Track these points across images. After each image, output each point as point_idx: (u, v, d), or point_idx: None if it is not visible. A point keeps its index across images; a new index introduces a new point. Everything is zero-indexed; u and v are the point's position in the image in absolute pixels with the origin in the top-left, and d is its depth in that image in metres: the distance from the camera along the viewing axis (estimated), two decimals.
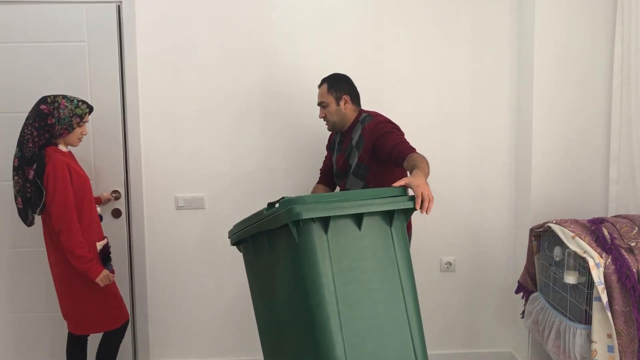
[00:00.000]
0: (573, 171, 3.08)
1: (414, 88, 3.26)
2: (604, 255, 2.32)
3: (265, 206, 2.13)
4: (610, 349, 2.25)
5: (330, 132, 3.02)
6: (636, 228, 2.42)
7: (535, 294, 2.80)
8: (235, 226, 2.38)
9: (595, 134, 3.07)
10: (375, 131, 2.63)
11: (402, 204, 2.09)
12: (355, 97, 2.79)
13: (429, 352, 3.40)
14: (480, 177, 3.32)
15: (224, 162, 3.25)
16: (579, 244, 2.38)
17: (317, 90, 3.27)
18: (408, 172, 2.56)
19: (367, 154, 2.66)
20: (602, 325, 2.27)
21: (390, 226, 2.13)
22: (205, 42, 3.19)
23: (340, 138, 2.85)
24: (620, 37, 2.89)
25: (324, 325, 1.92)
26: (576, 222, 2.56)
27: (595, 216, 2.87)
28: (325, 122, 2.82)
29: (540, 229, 2.72)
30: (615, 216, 2.64)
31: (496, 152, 3.30)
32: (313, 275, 1.92)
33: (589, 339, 2.33)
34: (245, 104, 3.23)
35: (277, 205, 2.04)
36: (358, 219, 2.05)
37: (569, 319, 2.46)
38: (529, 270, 2.87)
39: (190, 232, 3.28)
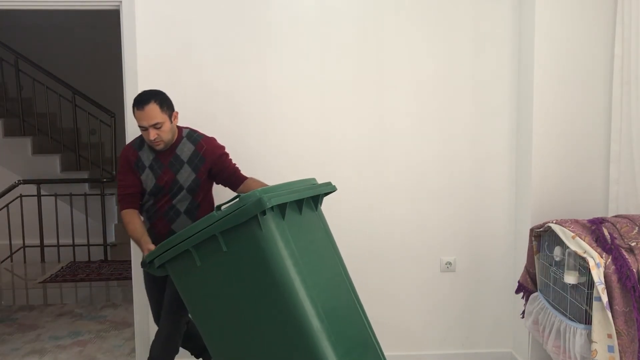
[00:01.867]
0: (573, 171, 3.08)
1: (413, 89, 3.25)
2: (604, 255, 2.32)
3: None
4: (611, 349, 2.25)
5: (123, 153, 2.81)
6: (636, 228, 2.42)
7: (535, 294, 2.80)
8: (162, 246, 2.31)
9: (596, 134, 3.07)
10: (216, 150, 2.80)
11: (324, 188, 2.45)
12: None
13: (429, 352, 3.40)
14: (481, 177, 3.32)
15: None
16: (579, 244, 2.38)
17: (313, 90, 3.27)
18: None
19: (206, 170, 2.77)
20: (602, 325, 2.26)
21: (316, 209, 2.43)
22: (204, 42, 3.18)
23: (154, 155, 2.73)
24: (620, 37, 2.89)
25: (300, 303, 2.05)
26: (576, 222, 2.56)
27: (596, 216, 2.86)
28: (156, 142, 2.65)
29: (541, 229, 2.72)
30: (616, 216, 2.64)
31: (496, 151, 3.30)
32: (281, 258, 2.07)
33: (589, 339, 2.33)
34: (244, 105, 3.23)
35: (225, 206, 2.16)
36: (299, 204, 2.26)
37: (569, 319, 2.46)
38: (529, 270, 2.87)
39: None
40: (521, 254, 3.19)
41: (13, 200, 5.81)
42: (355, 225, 3.31)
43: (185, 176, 2.73)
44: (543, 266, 2.74)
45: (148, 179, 2.73)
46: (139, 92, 3.14)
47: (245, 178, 2.85)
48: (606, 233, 2.41)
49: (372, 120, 3.26)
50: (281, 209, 2.13)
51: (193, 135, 2.80)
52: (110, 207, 6.40)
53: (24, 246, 5.97)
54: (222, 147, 2.85)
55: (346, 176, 3.28)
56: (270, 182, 3.26)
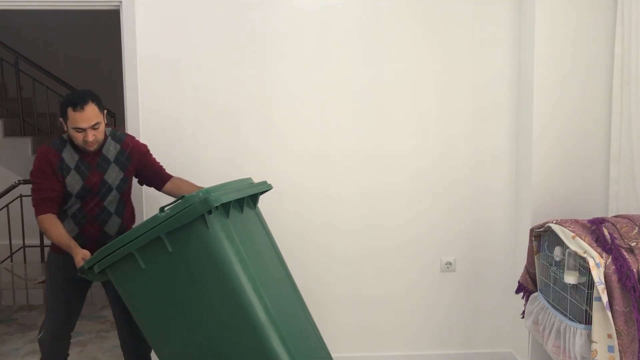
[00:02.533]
0: (573, 171, 3.08)
1: (414, 88, 3.25)
2: (604, 255, 2.32)
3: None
4: (611, 349, 2.25)
5: (41, 154, 2.65)
6: (636, 228, 2.42)
7: (535, 294, 2.80)
8: (102, 252, 2.27)
9: (596, 133, 3.06)
10: (141, 147, 2.81)
11: (261, 187, 2.55)
12: None
13: (429, 352, 3.41)
14: (481, 177, 3.31)
15: (224, 162, 3.25)
16: (579, 244, 2.38)
17: (313, 90, 3.27)
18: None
19: (133, 169, 2.77)
20: (602, 325, 2.26)
21: (254, 208, 2.51)
22: (204, 42, 3.18)
23: (79, 156, 2.64)
24: (620, 36, 2.89)
25: (247, 297, 2.12)
26: (576, 222, 2.56)
27: (596, 216, 2.86)
28: (92, 144, 2.58)
29: (541, 229, 2.72)
30: (616, 216, 2.64)
31: (496, 151, 3.30)
32: (228, 255, 2.13)
33: (589, 339, 2.33)
34: (245, 104, 3.23)
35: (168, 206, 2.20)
36: (240, 203, 2.35)
37: (569, 319, 2.46)
38: (529, 270, 2.87)
39: None
40: (521, 254, 3.19)
41: (13, 200, 5.80)
42: (356, 225, 3.31)
43: (114, 176, 2.69)
44: (543, 266, 2.74)
45: (74, 181, 2.62)
46: (139, 91, 3.18)
47: (170, 177, 2.85)
48: (606, 233, 2.41)
49: (372, 120, 3.26)
50: (225, 207, 2.20)
51: (116, 134, 2.75)
52: None
53: (24, 246, 5.96)
54: (145, 145, 2.85)
55: (346, 176, 3.28)
56: (270, 181, 3.27)
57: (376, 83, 3.24)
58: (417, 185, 3.31)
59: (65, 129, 2.62)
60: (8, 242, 5.90)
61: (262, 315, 2.13)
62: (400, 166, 3.30)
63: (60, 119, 2.61)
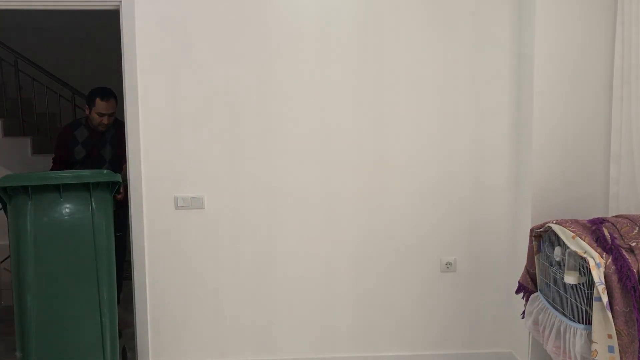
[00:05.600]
0: (573, 171, 3.08)
1: (414, 88, 3.25)
2: (604, 256, 2.32)
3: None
4: (611, 349, 2.25)
5: (61, 132, 3.93)
6: (637, 228, 2.42)
7: (535, 294, 2.80)
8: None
9: (596, 133, 3.07)
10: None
11: (98, 177, 2.88)
12: None
13: (429, 352, 3.40)
14: (481, 177, 3.31)
15: (224, 162, 3.25)
16: (579, 244, 2.38)
17: (313, 90, 3.28)
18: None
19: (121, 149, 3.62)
20: (602, 325, 2.26)
21: (91, 196, 2.88)
22: (204, 42, 3.18)
23: (88, 133, 3.80)
24: (620, 36, 2.89)
25: (17, 258, 2.79)
26: (576, 222, 2.55)
27: (596, 216, 2.86)
28: (103, 126, 3.74)
29: (541, 229, 2.72)
30: (616, 216, 2.64)
31: (496, 151, 3.30)
32: (16, 226, 2.80)
33: (589, 339, 2.32)
34: (245, 104, 3.23)
35: None
36: (58, 189, 2.83)
37: (570, 319, 2.46)
38: (529, 270, 2.87)
39: (190, 232, 3.28)
40: (521, 254, 3.19)
41: None
42: (356, 225, 3.31)
43: (108, 152, 3.80)
44: (543, 266, 2.74)
45: (80, 151, 3.79)
46: (139, 92, 3.18)
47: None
48: (606, 233, 2.41)
49: (372, 120, 3.26)
50: (25, 190, 2.77)
51: (117, 122, 3.77)
52: None
53: None
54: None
55: (346, 176, 3.28)
56: (270, 181, 3.28)
57: (376, 83, 3.24)
58: (417, 185, 3.31)
59: (87, 113, 3.77)
60: (8, 242, 5.89)
61: (28, 274, 2.76)
62: (400, 166, 3.30)
63: (86, 105, 3.77)
